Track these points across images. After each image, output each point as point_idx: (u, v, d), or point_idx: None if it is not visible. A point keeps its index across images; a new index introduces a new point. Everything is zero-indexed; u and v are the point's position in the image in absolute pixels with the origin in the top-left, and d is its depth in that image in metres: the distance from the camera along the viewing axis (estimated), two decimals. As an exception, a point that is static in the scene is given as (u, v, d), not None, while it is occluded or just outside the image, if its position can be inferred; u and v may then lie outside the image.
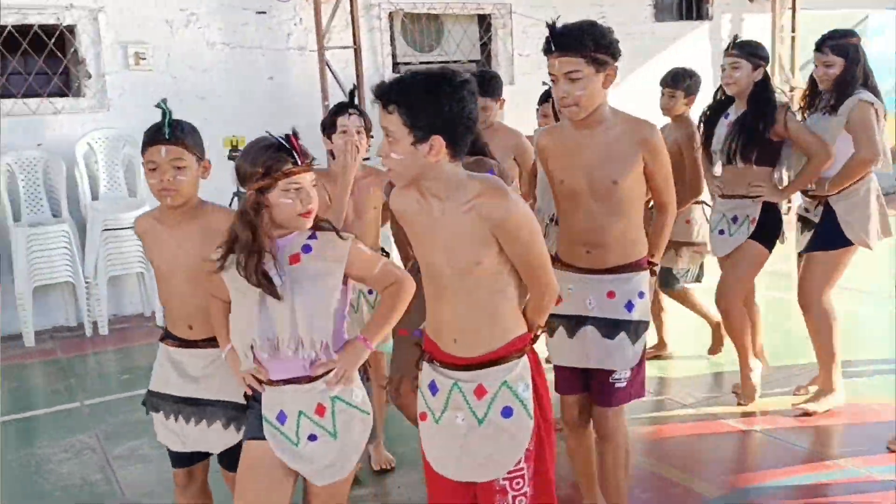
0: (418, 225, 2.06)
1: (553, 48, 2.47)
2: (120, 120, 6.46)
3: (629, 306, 2.61)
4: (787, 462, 3.52)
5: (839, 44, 3.74)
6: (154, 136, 2.35)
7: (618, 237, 2.62)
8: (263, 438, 2.21)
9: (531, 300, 2.13)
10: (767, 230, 3.83)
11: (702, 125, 4.06)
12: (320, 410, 2.18)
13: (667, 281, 4.52)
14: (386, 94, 1.92)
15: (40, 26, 6.19)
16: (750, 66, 3.77)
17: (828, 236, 3.82)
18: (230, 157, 6.49)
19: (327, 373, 2.16)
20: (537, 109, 4.45)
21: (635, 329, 2.61)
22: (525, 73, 8.28)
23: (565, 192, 2.65)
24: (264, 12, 7.04)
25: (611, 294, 2.61)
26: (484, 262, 2.00)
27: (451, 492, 2.14)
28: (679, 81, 4.38)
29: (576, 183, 2.61)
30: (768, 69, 3.90)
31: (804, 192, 3.94)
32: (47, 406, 4.69)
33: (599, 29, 2.49)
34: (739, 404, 4.04)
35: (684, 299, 4.66)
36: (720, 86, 3.99)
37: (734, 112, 3.86)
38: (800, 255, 4.07)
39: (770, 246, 3.87)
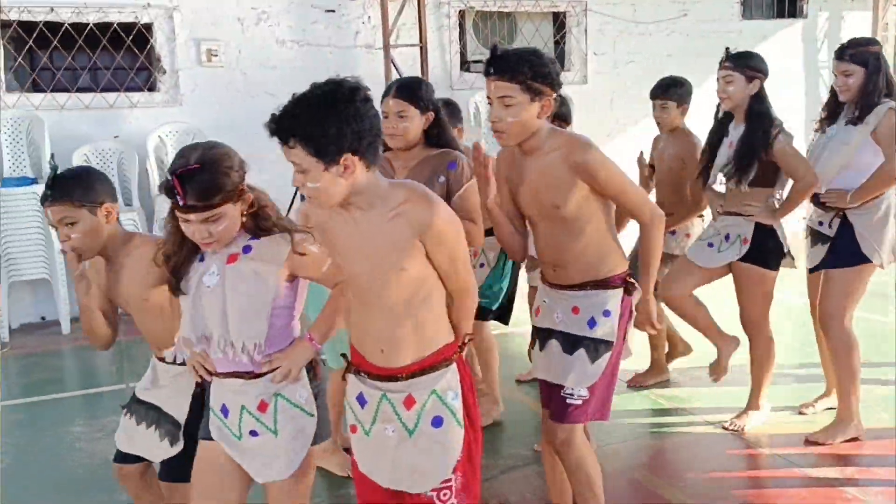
0: (342, 236, 2.04)
1: (491, 71, 2.39)
2: (190, 115, 6.72)
3: (591, 323, 2.51)
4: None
5: (859, 52, 3.51)
6: (42, 199, 2.37)
7: (577, 256, 2.54)
8: (206, 436, 2.25)
9: (455, 305, 2.09)
10: (762, 251, 3.59)
11: (707, 147, 3.82)
12: (262, 406, 2.19)
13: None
14: (281, 130, 1.87)
15: (119, 24, 6.52)
16: (744, 79, 3.54)
17: (845, 252, 3.55)
18: (294, 153, 6.66)
19: (275, 369, 2.18)
20: None
21: (595, 347, 2.50)
22: (599, 73, 8.10)
23: (524, 213, 2.61)
24: (333, 10, 7.16)
25: (575, 310, 2.53)
26: (409, 268, 1.97)
27: (380, 495, 2.12)
28: (669, 91, 4.19)
29: (526, 206, 2.57)
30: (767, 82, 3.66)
31: (818, 204, 3.67)
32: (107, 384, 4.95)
33: (540, 58, 2.40)
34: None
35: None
36: (719, 103, 3.77)
37: (733, 130, 3.64)
38: (810, 271, 3.81)
39: (772, 267, 3.62)
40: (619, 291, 2.53)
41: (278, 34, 7.03)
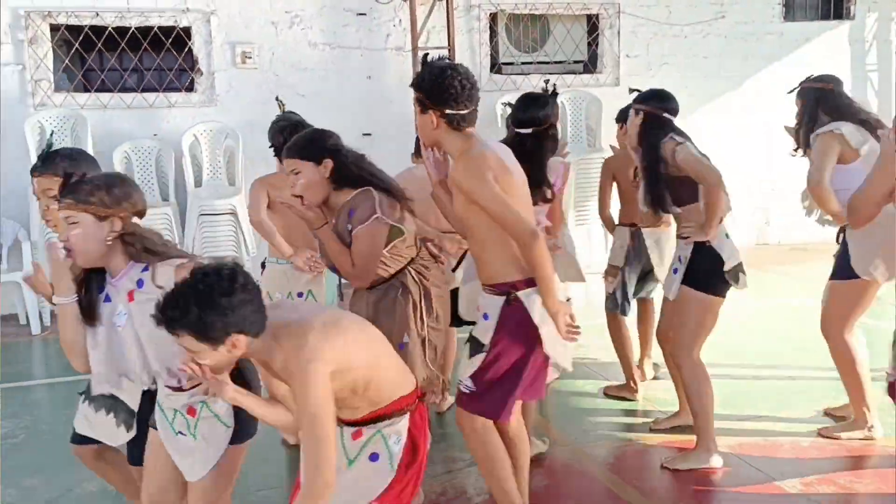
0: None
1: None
2: (225, 114, 7.03)
3: (479, 322, 2.70)
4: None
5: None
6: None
7: (477, 259, 2.74)
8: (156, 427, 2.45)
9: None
10: (699, 273, 3.46)
11: None
12: (191, 411, 2.36)
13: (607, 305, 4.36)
14: (170, 322, 1.95)
15: (159, 27, 6.86)
16: (634, 114, 3.55)
17: (842, 266, 3.55)
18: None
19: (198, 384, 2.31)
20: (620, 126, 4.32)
21: (475, 344, 2.69)
22: (632, 75, 8.03)
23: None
24: (364, 14, 7.36)
25: (479, 307, 2.70)
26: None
27: None
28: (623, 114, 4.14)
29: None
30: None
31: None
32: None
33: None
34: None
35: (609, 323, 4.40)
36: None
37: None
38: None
39: (710, 290, 3.47)
40: (499, 298, 2.63)
41: (310, 37, 7.27)
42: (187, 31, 7.01)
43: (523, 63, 7.99)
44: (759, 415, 4.08)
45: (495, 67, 7.88)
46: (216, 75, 7.08)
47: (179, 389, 2.35)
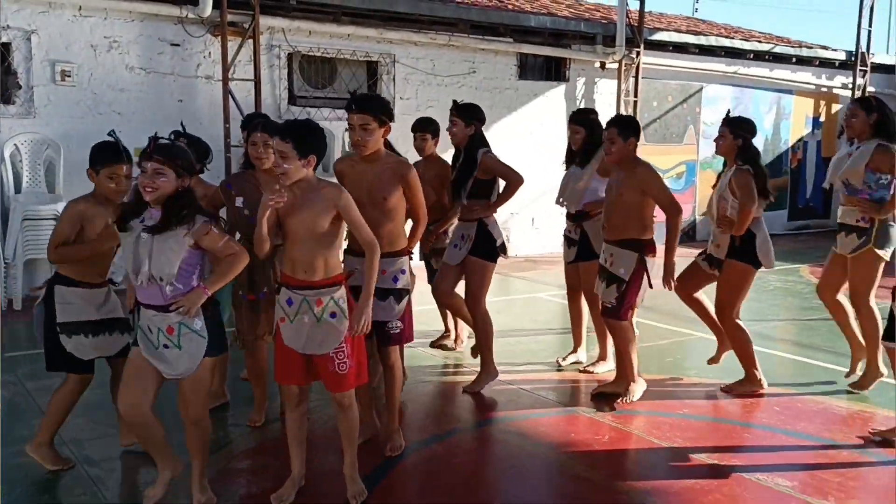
0: (288, 209, 3.32)
1: (353, 107, 3.75)
2: (44, 126, 7.53)
3: (395, 279, 3.98)
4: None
5: (582, 117, 5.35)
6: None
7: (387, 233, 3.90)
8: (135, 343, 3.37)
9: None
10: (481, 247, 4.90)
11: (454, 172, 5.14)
12: (170, 330, 3.30)
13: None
14: (287, 133, 3.20)
15: (-21, 42, 7.24)
16: (463, 124, 4.93)
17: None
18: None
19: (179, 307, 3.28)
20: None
21: (398, 294, 3.98)
22: (405, 114, 9.65)
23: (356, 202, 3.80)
24: (178, 44, 8.25)
25: (383, 272, 3.84)
26: (326, 227, 3.29)
27: (296, 359, 3.37)
28: (427, 126, 5.55)
29: (360, 197, 3.75)
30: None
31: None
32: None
33: (384, 99, 3.92)
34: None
35: None
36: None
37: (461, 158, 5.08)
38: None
39: (490, 259, 4.94)
40: (406, 258, 4.03)
41: (127, 61, 8.01)
42: (7, 46, 7.44)
43: (314, 97, 9.31)
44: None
45: (292, 100, 9.10)
46: (35, 90, 7.55)
47: (164, 309, 3.26)
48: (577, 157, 5.38)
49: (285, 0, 8.72)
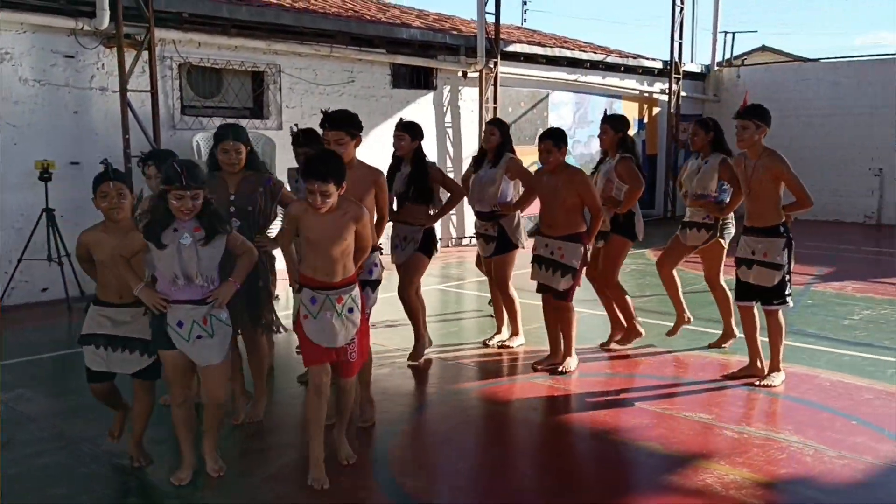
0: (313, 225, 3.84)
1: (327, 125, 4.36)
2: (-62, 140, 7.33)
3: (370, 272, 4.69)
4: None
5: (499, 122, 6.17)
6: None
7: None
8: (168, 348, 3.72)
9: (359, 255, 4.02)
10: (428, 245, 5.69)
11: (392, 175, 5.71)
12: (204, 321, 3.75)
13: None
14: (328, 176, 3.67)
15: None
16: (409, 138, 5.57)
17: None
18: (41, 178, 7.66)
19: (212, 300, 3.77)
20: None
21: (373, 285, 4.76)
22: (292, 122, 10.11)
23: None
24: (72, 56, 8.25)
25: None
26: (347, 240, 3.83)
27: (322, 352, 3.84)
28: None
29: None
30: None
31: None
32: None
33: (353, 114, 4.48)
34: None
35: None
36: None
37: (405, 168, 5.64)
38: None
39: (430, 254, 5.72)
40: (377, 252, 4.75)
41: (21, 73, 7.93)
42: None
43: (205, 107, 9.54)
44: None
45: (184, 109, 9.29)
46: (-74, 103, 7.34)
47: (202, 302, 3.71)
48: (488, 158, 6.13)
49: (177, 12, 8.92)
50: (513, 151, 6.10)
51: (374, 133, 10.90)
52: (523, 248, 6.14)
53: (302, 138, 5.38)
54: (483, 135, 6.33)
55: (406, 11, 14.24)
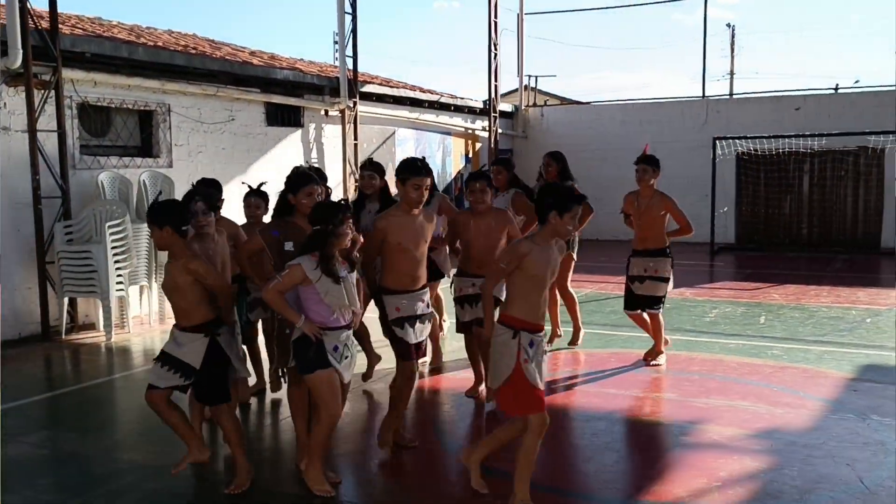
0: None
1: (423, 172, 4.62)
2: None
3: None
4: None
5: (375, 164, 6.57)
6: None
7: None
8: (324, 367, 4.06)
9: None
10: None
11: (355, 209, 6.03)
12: (349, 343, 4.27)
13: None
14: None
15: None
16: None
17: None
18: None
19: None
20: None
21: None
22: (180, 160, 10.26)
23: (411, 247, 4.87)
24: (-25, 95, 7.93)
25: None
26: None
27: (541, 395, 3.86)
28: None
29: (411, 242, 4.73)
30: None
31: None
32: None
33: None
34: None
35: None
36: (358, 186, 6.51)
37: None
38: None
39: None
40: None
41: (-76, 112, 7.52)
42: None
43: (104, 146, 9.43)
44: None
45: (83, 149, 9.13)
46: None
47: (348, 327, 4.25)
48: (377, 200, 6.24)
49: (81, 52, 8.82)
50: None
51: (253, 170, 11.26)
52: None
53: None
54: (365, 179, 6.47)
55: (240, 49, 14.60)
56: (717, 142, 15.99)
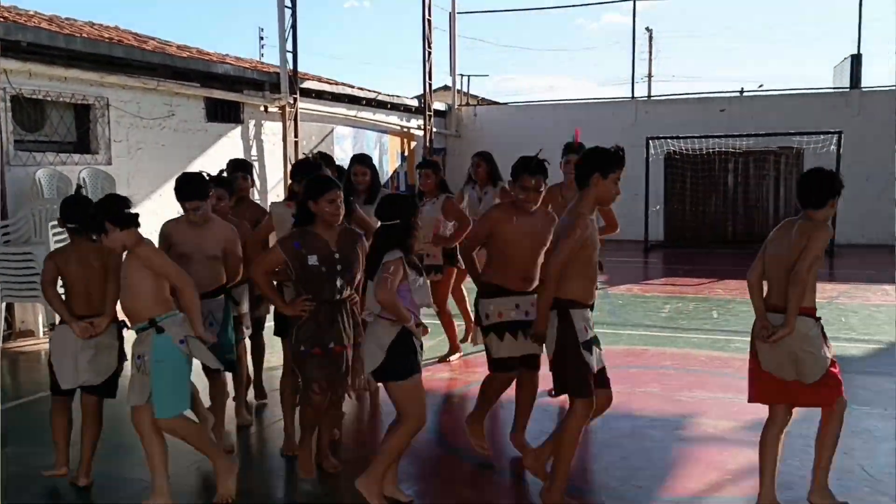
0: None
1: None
2: None
3: None
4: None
5: (366, 158, 6.35)
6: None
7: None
8: (417, 371, 3.80)
9: None
10: None
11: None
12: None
13: None
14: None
15: None
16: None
17: None
18: None
19: None
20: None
21: None
22: (119, 157, 9.77)
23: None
24: None
25: None
26: None
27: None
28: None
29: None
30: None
31: None
32: None
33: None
34: None
35: None
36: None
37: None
38: None
39: None
40: None
41: None
42: None
43: (39, 141, 8.86)
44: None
45: (17, 144, 8.56)
46: None
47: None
48: (364, 195, 5.88)
49: (16, 41, 8.27)
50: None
51: (194, 167, 10.79)
52: None
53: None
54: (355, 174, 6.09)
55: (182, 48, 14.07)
56: (651, 141, 16.37)
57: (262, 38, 28.23)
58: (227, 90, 11.64)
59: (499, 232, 4.32)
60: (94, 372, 4.11)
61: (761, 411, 5.40)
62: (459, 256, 5.13)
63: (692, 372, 6.56)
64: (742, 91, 18.71)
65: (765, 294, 3.88)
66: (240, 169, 5.80)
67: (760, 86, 19.54)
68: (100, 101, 9.54)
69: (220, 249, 4.58)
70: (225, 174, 5.47)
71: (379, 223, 3.90)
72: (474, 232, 4.63)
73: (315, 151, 5.45)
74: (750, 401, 4.02)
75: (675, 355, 7.07)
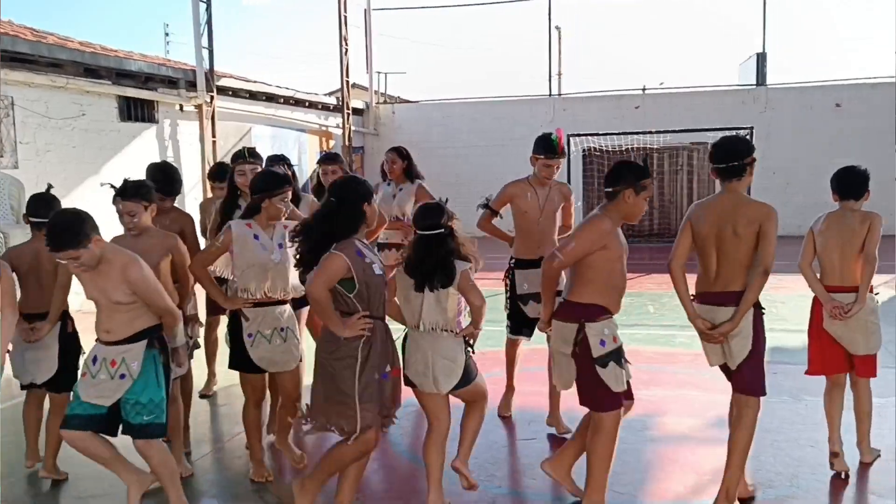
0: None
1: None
2: None
3: None
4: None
5: (338, 157, 6.16)
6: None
7: None
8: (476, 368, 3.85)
9: None
10: None
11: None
12: None
13: None
14: None
15: None
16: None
17: None
18: None
19: None
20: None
21: None
22: (27, 160, 9.10)
23: None
24: None
25: None
26: None
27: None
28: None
29: None
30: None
31: None
32: None
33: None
34: None
35: None
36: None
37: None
38: None
39: None
40: None
41: None
42: None
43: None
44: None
45: (-90, 147, 7.85)
46: None
47: None
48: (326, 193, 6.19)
49: None
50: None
51: (107, 169, 10.25)
52: None
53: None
54: (321, 173, 5.93)
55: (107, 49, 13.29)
56: (571, 138, 16.52)
57: (167, 35, 27.13)
58: (140, 88, 11.04)
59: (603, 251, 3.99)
60: (36, 371, 4.19)
61: (722, 408, 5.43)
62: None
63: (643, 369, 6.53)
64: (644, 89, 19.05)
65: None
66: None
67: (661, 83, 19.92)
68: (4, 100, 8.86)
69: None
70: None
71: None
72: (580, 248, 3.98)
73: (245, 147, 5.14)
74: (810, 374, 4.51)
75: (658, 354, 7.05)
